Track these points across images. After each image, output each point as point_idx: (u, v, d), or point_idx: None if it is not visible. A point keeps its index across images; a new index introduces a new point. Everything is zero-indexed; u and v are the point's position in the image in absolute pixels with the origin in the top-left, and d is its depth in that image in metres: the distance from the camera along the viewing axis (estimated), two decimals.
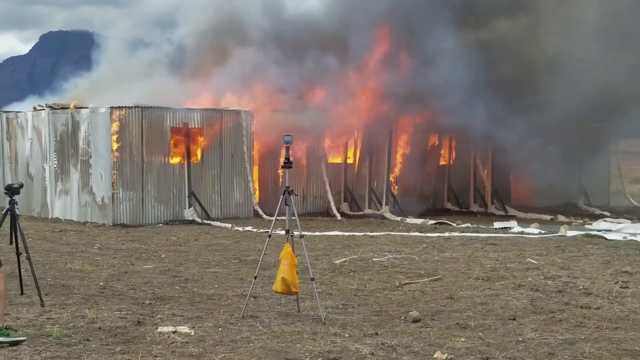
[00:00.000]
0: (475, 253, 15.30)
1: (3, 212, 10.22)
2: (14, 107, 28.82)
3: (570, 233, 18.79)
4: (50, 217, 23.23)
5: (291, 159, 9.84)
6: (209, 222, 21.90)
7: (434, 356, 7.80)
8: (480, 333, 8.85)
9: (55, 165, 23.36)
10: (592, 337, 8.69)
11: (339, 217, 24.18)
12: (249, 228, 20.23)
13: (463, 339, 8.55)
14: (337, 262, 14.17)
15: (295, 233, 9.73)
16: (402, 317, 9.64)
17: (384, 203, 25.60)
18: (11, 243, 10.38)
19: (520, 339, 8.62)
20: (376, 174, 26.13)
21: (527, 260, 14.18)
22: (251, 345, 8.28)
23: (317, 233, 19.08)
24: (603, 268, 13.32)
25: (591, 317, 9.67)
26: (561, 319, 9.55)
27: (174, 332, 8.61)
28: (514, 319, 9.54)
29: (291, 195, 9.64)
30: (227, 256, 15.05)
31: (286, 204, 9.65)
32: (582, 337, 8.68)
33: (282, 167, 9.89)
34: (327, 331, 8.89)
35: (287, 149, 9.88)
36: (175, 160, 22.45)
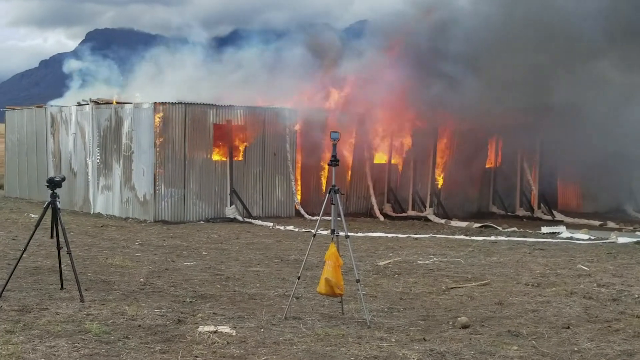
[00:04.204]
0: (524, 258, 14.86)
1: (44, 206, 10.10)
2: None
3: (621, 240, 18.22)
4: (92, 212, 23.22)
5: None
6: (250, 220, 21.70)
7: None
8: (533, 341, 8.45)
9: (98, 161, 23.34)
10: None
11: (381, 218, 23.85)
12: (291, 227, 19.99)
13: (515, 348, 8.17)
14: (381, 264, 13.85)
15: (341, 233, 9.43)
16: (450, 323, 9.28)
17: (427, 205, 25.16)
18: (52, 237, 10.24)
19: (575, 348, 8.21)
20: (421, 175, 25.67)
21: (577, 266, 13.71)
22: (294, 347, 8.00)
23: (359, 234, 18.75)
24: None
25: None
26: (617, 329, 9.10)
27: (214, 332, 8.36)
28: (568, 328, 9.12)
29: (337, 195, 9.34)
30: (268, 255, 14.81)
31: (332, 203, 9.34)
32: None
33: (328, 164, 9.61)
34: (373, 335, 8.57)
35: (334, 146, 9.55)
36: (217, 157, 22.28)
